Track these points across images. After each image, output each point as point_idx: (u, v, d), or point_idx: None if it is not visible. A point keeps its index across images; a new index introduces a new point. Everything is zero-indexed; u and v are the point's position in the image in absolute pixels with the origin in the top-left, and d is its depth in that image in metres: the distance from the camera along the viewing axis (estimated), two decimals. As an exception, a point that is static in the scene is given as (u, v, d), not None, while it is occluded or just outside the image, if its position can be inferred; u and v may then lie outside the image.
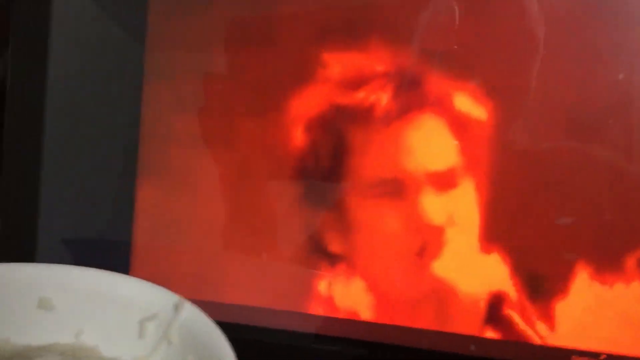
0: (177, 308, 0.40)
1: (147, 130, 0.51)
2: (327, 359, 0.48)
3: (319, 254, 0.49)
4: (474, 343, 0.47)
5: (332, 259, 0.48)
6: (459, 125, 0.45)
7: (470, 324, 0.45)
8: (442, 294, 0.46)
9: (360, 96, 0.46)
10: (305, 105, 0.47)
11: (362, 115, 0.46)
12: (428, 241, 0.46)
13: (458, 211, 0.45)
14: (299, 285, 0.49)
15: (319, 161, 0.48)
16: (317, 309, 0.48)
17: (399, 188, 0.46)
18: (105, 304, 0.41)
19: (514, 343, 0.45)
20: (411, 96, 0.45)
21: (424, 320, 0.46)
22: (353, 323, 0.47)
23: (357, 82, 0.46)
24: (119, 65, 0.51)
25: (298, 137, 0.48)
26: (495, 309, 0.45)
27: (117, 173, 0.52)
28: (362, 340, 0.47)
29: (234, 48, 0.48)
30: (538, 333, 0.44)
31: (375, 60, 0.45)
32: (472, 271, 0.45)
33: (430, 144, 0.45)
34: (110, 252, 0.53)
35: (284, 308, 0.48)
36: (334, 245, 0.49)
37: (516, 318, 0.45)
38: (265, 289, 0.50)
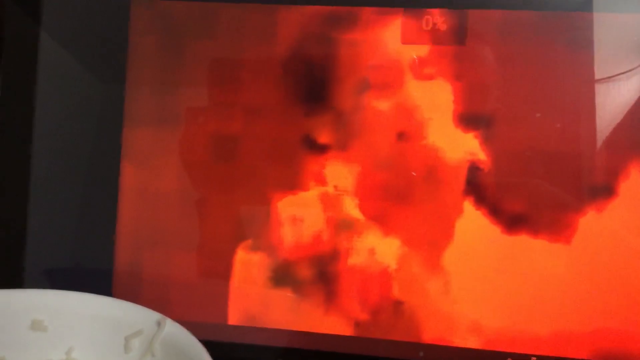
0: (159, 324, 0.44)
1: (128, 152, 0.56)
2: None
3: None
4: (422, 350, 0.52)
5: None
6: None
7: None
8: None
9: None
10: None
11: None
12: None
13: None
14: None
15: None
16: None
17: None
18: (93, 324, 0.45)
19: (457, 350, 0.51)
20: None
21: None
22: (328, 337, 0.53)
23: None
24: (101, 108, 0.55)
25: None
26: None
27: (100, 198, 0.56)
28: (333, 352, 0.52)
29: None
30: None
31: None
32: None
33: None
34: (93, 277, 0.57)
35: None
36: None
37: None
38: (242, 309, 0.55)
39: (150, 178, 0.53)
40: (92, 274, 0.56)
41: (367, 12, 0.51)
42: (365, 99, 0.50)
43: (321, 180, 0.51)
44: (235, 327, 0.53)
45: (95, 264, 0.55)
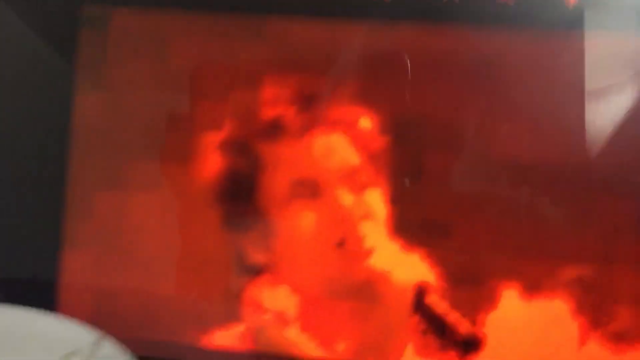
0: (96, 344, 0.41)
1: (74, 173, 0.53)
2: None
3: (246, 270, 0.51)
4: None
5: (259, 270, 0.51)
6: (362, 141, 0.50)
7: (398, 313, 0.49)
8: (368, 287, 0.49)
9: (271, 116, 0.50)
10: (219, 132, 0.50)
11: (273, 133, 0.51)
12: (347, 234, 0.49)
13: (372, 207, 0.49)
14: (226, 311, 0.52)
15: (236, 182, 0.51)
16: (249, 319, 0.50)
17: (313, 189, 0.50)
18: (27, 342, 0.42)
19: None
20: (316, 114, 0.50)
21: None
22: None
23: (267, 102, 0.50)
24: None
25: (214, 163, 0.51)
26: (420, 298, 0.48)
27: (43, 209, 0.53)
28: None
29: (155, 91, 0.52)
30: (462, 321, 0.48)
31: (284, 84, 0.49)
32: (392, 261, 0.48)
33: (336, 154, 0.50)
34: (36, 290, 0.54)
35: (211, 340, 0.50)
36: (258, 257, 0.51)
37: (439, 304, 0.48)
38: (193, 324, 0.52)
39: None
40: (36, 288, 0.53)
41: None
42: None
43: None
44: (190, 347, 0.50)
45: (40, 274, 0.53)
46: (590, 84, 0.47)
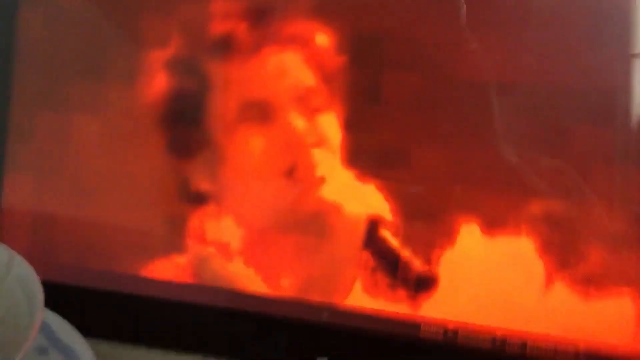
0: (9, 263, 0.39)
1: (17, 93, 0.50)
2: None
3: (190, 199, 0.48)
4: (327, 311, 0.46)
5: (204, 199, 0.48)
6: (317, 60, 0.45)
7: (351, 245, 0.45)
8: (317, 220, 0.45)
9: (220, 32, 0.46)
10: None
11: (222, 51, 0.46)
12: (298, 161, 0.46)
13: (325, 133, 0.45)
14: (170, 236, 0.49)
15: (183, 103, 0.47)
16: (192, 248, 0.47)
17: (263, 112, 0.46)
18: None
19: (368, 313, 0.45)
20: (269, 31, 0.45)
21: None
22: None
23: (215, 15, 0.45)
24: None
25: (159, 83, 0.47)
26: (372, 233, 0.44)
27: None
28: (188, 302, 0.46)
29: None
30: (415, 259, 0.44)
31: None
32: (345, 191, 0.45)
33: (289, 74, 0.45)
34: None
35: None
36: (203, 185, 0.48)
37: (392, 239, 0.45)
38: (133, 253, 0.49)
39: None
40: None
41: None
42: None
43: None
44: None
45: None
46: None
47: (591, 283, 0.40)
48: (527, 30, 0.42)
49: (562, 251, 0.41)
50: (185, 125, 0.48)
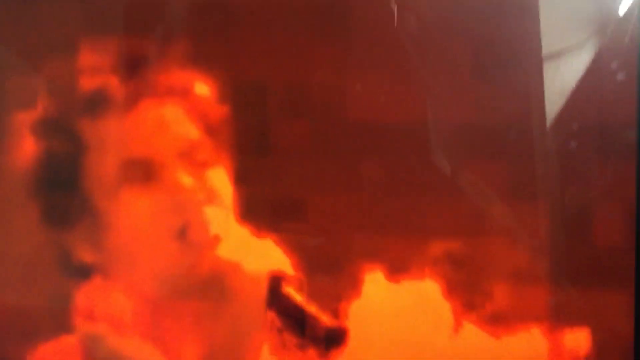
0: None
1: None
2: None
3: (74, 272, 0.44)
4: None
5: (89, 271, 0.44)
6: (199, 112, 0.43)
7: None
8: (215, 282, 0.42)
9: (91, 87, 0.43)
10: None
11: (95, 108, 0.43)
12: (189, 221, 0.43)
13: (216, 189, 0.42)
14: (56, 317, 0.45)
15: (56, 168, 0.43)
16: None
17: (146, 171, 0.43)
18: None
19: None
20: (145, 83, 0.42)
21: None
22: None
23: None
24: None
25: (28, 147, 0.43)
26: (275, 290, 0.42)
27: None
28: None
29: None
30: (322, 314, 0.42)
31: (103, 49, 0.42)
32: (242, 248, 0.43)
33: (171, 129, 0.42)
34: None
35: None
36: (86, 256, 0.44)
37: (296, 295, 0.42)
38: (15, 338, 0.45)
39: None
40: None
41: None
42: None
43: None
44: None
45: None
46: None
47: (500, 321, 0.40)
48: (410, 68, 0.41)
49: (468, 291, 0.40)
50: (60, 191, 0.44)
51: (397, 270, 0.41)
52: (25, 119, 0.43)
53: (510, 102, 0.39)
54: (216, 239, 0.42)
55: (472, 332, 0.40)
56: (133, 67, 0.43)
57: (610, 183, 0.39)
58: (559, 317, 0.39)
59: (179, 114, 0.43)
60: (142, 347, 0.42)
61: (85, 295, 0.43)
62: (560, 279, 0.39)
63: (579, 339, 0.39)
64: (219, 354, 0.42)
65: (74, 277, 0.42)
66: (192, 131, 0.43)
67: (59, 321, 0.43)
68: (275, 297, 0.42)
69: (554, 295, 0.39)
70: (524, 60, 0.40)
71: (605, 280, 0.39)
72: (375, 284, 0.41)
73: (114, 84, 0.43)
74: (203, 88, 0.42)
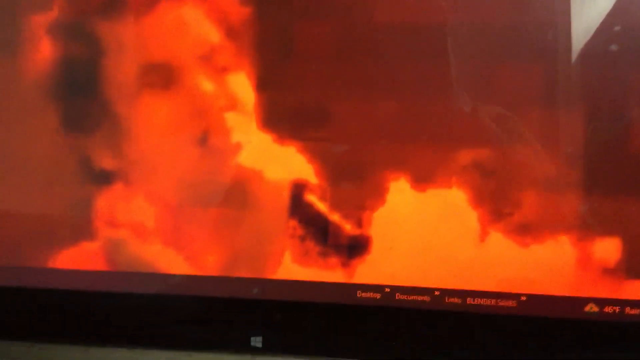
0: None
1: None
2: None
3: (94, 179, 0.43)
4: (257, 286, 0.44)
5: (109, 178, 0.43)
6: (220, 13, 0.41)
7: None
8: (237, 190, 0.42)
9: None
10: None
11: (113, 9, 0.42)
12: (210, 128, 0.42)
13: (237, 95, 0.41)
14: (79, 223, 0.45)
15: (74, 72, 0.42)
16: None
17: (166, 76, 0.42)
18: None
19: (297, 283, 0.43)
20: None
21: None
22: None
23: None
24: None
25: (45, 51, 0.42)
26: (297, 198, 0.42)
27: None
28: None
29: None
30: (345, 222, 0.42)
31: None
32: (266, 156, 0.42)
33: (190, 31, 0.41)
34: None
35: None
36: (107, 162, 0.44)
37: (319, 204, 0.42)
38: (38, 244, 0.45)
39: None
40: None
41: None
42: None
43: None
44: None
45: None
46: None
47: (527, 231, 0.39)
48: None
49: (495, 200, 0.39)
50: (79, 96, 0.43)
51: (422, 179, 0.40)
52: (41, 21, 0.42)
53: (548, 1, 0.38)
54: (238, 146, 0.41)
55: (499, 241, 0.39)
56: (151, -34, 0.42)
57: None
58: (589, 227, 0.39)
59: (199, 16, 0.41)
60: (164, 252, 0.42)
61: (106, 202, 0.42)
62: (592, 187, 0.38)
63: (608, 248, 0.38)
64: (241, 260, 0.42)
65: (94, 183, 0.42)
66: (212, 34, 0.41)
67: (80, 227, 0.43)
68: (298, 205, 0.41)
69: (585, 204, 0.38)
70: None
71: (638, 189, 0.38)
72: (399, 192, 0.40)
73: (132, -16, 0.42)
74: (224, -12, 0.41)
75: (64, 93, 0.42)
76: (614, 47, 0.37)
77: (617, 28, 0.37)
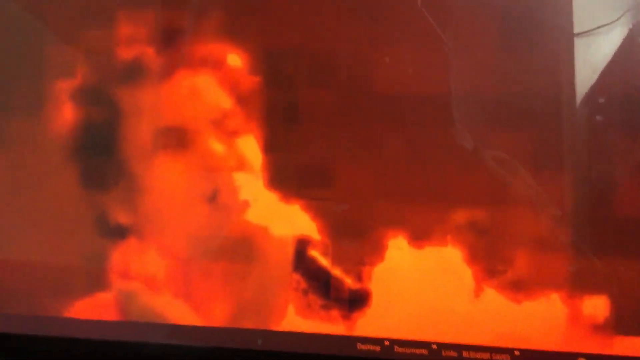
0: None
1: None
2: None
3: (110, 233, 0.46)
4: (261, 337, 0.45)
5: (124, 232, 0.46)
6: (231, 82, 0.44)
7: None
8: (243, 245, 0.44)
9: (128, 57, 0.45)
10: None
11: (132, 77, 0.45)
12: (219, 187, 0.45)
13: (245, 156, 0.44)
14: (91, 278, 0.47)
15: (94, 134, 0.46)
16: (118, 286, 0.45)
17: (180, 138, 0.45)
18: None
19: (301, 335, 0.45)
20: (179, 54, 0.44)
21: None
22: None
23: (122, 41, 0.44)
24: None
25: (68, 114, 0.45)
26: (301, 254, 0.44)
27: None
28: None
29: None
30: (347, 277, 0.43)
31: (141, 20, 0.44)
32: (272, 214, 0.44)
33: (204, 98, 0.44)
34: None
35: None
36: (122, 217, 0.46)
37: (321, 259, 0.44)
38: (54, 295, 0.47)
39: None
40: None
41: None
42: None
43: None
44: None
45: None
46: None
47: (520, 287, 0.41)
48: (437, 41, 0.42)
49: (489, 258, 0.41)
50: (98, 156, 0.46)
51: (419, 236, 0.42)
52: (65, 87, 0.46)
53: (537, 74, 0.40)
54: (245, 204, 0.44)
55: (493, 297, 0.41)
56: (169, 38, 0.45)
57: (635, 157, 0.40)
58: (579, 285, 0.40)
59: (212, 84, 0.44)
60: (173, 304, 0.44)
61: (120, 255, 0.45)
62: (581, 247, 0.40)
63: (597, 305, 0.40)
64: (247, 312, 0.44)
65: (110, 237, 0.45)
66: (224, 100, 0.44)
67: (95, 279, 0.45)
68: (301, 260, 0.43)
69: (575, 263, 0.40)
70: (553, 33, 0.41)
71: (625, 250, 0.40)
72: (398, 249, 0.42)
73: (150, 55, 0.45)
74: (235, 59, 0.44)
75: (84, 152, 0.45)
76: (599, 118, 0.40)
77: (601, 100, 0.40)
